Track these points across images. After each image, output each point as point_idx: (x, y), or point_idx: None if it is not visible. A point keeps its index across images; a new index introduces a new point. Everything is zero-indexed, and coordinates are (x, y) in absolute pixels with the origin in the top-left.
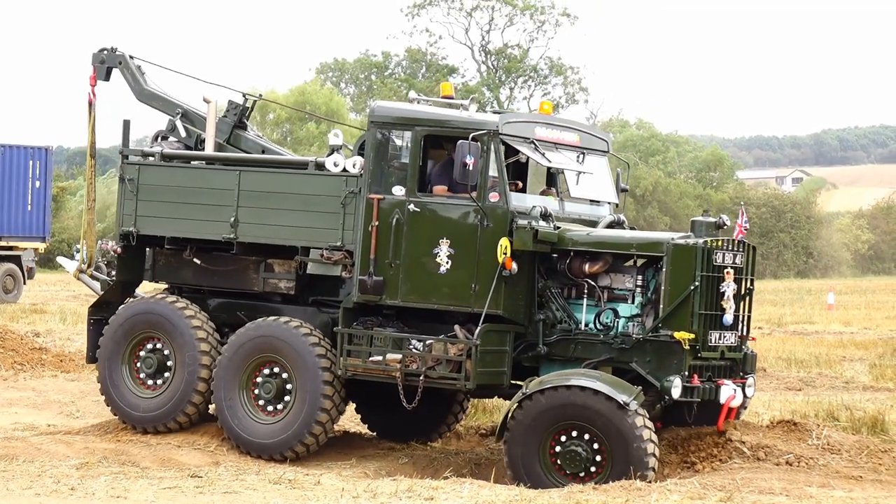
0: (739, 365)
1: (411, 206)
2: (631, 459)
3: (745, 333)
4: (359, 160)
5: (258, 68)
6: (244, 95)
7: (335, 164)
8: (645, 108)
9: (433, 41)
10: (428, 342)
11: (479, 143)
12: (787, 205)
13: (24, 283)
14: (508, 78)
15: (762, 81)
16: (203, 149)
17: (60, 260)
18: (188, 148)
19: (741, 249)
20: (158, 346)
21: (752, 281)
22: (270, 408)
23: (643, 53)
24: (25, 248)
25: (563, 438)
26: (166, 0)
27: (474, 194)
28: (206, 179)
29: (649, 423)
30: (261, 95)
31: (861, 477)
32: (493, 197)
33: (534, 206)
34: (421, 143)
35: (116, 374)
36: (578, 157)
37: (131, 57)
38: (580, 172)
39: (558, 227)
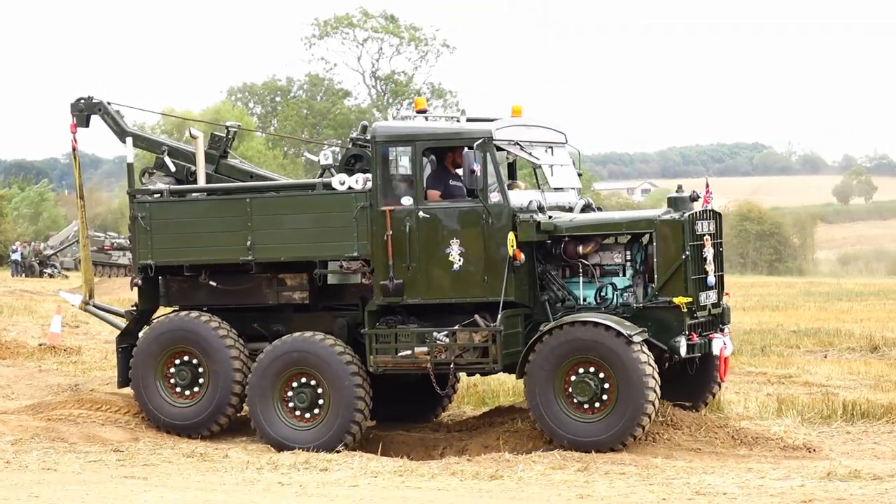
0: (719, 319)
1: (421, 213)
2: (633, 389)
3: (721, 290)
4: (362, 177)
5: (172, 91)
6: (227, 127)
7: (341, 183)
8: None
9: (329, 67)
10: (453, 332)
11: (482, 152)
12: None
13: None
14: (395, 100)
15: (614, 104)
16: (194, 180)
17: (63, 294)
18: (178, 182)
19: (712, 217)
20: (193, 360)
21: (721, 244)
22: (305, 414)
23: (514, 76)
24: None
25: (581, 371)
26: (89, 24)
27: (484, 197)
28: (217, 209)
29: (650, 356)
30: (239, 126)
31: (700, 449)
32: (494, 197)
33: (530, 202)
34: (421, 156)
35: (150, 385)
36: (547, 150)
37: (109, 103)
38: (560, 165)
39: (551, 217)
